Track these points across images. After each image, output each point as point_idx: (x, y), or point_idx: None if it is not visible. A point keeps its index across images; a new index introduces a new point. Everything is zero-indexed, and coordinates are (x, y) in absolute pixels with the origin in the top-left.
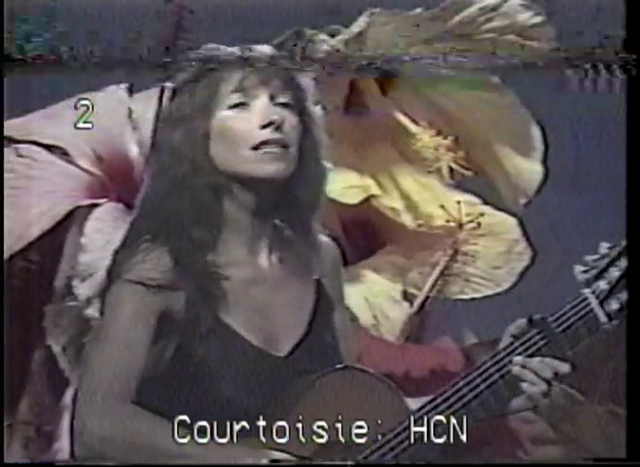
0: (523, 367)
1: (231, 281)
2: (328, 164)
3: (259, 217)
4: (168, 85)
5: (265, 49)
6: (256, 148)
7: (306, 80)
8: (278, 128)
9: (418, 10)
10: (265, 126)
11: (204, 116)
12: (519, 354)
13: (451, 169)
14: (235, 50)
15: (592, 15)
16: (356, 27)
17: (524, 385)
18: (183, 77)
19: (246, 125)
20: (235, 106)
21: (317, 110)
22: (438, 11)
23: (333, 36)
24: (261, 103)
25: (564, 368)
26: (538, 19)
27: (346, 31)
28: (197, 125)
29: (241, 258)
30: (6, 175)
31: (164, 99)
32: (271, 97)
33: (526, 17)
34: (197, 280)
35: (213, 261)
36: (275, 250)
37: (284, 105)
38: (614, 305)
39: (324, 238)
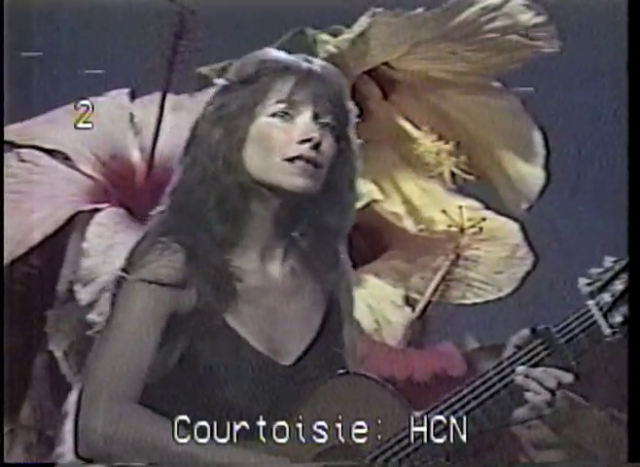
0: (527, 376)
1: (243, 287)
2: (360, 193)
3: (278, 227)
4: (220, 81)
5: (329, 67)
6: (289, 160)
7: (352, 106)
8: (315, 147)
9: (420, 10)
10: (303, 142)
11: (247, 118)
12: (523, 364)
13: (453, 174)
14: (294, 59)
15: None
16: (358, 27)
17: (528, 395)
18: (235, 76)
19: (285, 136)
20: (279, 115)
21: (356, 138)
22: (440, 11)
23: (335, 36)
24: (304, 118)
25: (568, 378)
26: (540, 19)
27: (348, 31)
28: (238, 125)
29: (253, 266)
30: (7, 180)
31: (212, 94)
32: (315, 115)
33: (528, 17)
34: (211, 276)
35: (229, 260)
36: (288, 260)
37: (326, 125)
38: (617, 318)
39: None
